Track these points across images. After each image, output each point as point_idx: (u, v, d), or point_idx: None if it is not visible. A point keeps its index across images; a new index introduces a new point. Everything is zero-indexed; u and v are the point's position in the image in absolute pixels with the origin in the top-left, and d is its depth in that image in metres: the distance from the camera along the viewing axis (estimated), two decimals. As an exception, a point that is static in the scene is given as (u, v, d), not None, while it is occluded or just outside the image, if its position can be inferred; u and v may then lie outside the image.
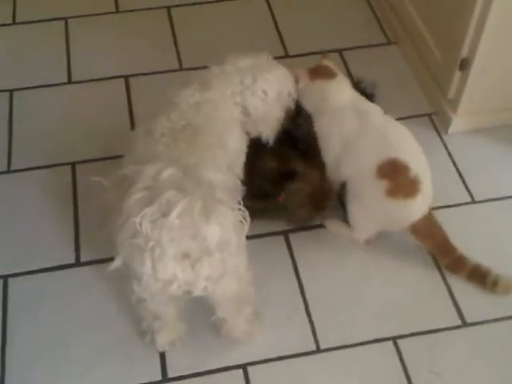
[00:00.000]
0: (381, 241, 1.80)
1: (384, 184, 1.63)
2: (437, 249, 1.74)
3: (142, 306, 1.47)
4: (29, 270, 1.76)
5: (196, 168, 1.26)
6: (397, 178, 1.63)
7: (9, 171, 1.97)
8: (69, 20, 2.42)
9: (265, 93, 1.60)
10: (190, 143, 1.39)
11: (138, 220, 1.17)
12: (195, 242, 1.21)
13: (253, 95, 1.58)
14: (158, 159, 1.29)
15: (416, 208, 1.66)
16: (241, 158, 1.58)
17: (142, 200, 1.20)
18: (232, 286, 1.36)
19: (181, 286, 1.26)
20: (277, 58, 2.23)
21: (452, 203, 1.91)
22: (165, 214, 1.17)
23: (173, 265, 1.22)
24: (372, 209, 1.68)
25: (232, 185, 1.36)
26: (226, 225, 1.21)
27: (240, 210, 1.25)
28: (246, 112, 1.59)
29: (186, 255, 1.23)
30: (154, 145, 1.39)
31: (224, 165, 1.44)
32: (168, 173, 1.21)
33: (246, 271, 1.41)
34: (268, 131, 1.66)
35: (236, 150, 1.54)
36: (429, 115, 2.13)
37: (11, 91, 2.18)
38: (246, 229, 1.26)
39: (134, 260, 1.25)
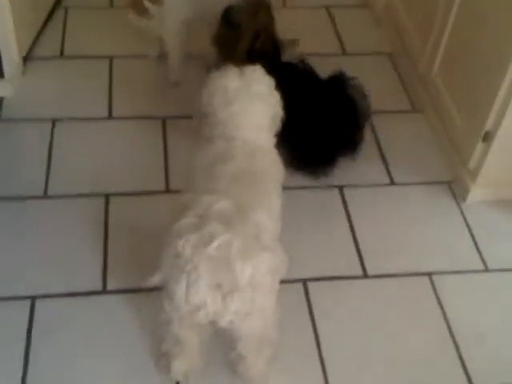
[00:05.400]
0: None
1: None
2: None
3: (167, 328, 1.53)
4: (56, 292, 1.83)
5: (248, 208, 1.35)
6: None
7: (45, 196, 2.06)
8: (113, 59, 2.55)
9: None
10: (250, 187, 1.47)
11: (181, 242, 1.27)
12: (229, 277, 1.29)
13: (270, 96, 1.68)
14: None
15: None
16: None
17: (191, 225, 1.30)
18: (257, 324, 1.43)
19: (208, 314, 1.33)
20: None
21: (465, 269, 1.99)
22: (206, 244, 1.26)
23: (205, 292, 1.29)
24: None
25: (278, 232, 1.44)
26: (260, 268, 1.30)
27: (280, 253, 1.33)
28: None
29: (219, 286, 1.31)
30: (214, 183, 1.47)
31: (276, 213, 1.53)
32: (220, 205, 1.31)
33: (273, 313, 1.48)
34: None
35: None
36: (448, 183, 2.23)
37: (54, 120, 2.29)
38: (282, 274, 1.34)
39: (171, 278, 1.33)
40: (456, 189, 2.20)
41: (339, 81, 2.23)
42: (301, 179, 2.18)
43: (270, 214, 1.48)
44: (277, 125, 1.70)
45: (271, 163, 1.61)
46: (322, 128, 2.15)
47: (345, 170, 2.22)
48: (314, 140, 2.16)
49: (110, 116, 2.34)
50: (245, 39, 2.23)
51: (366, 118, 2.27)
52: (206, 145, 1.62)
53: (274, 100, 1.67)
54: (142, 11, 2.29)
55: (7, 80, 2.35)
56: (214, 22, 2.29)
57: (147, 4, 2.26)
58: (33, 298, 1.80)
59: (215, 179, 1.48)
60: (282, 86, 2.01)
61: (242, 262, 1.26)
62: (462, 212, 2.14)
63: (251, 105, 1.62)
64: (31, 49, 2.53)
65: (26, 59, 2.49)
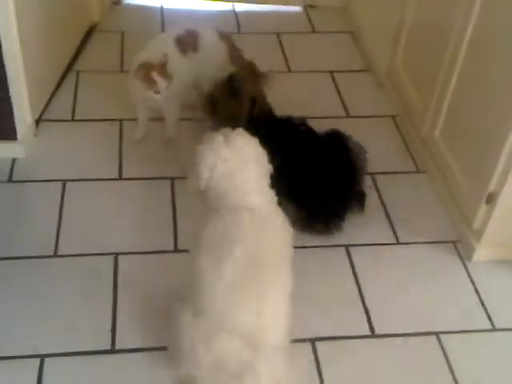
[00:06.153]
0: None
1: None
2: None
3: None
4: (65, 351, 1.83)
5: (260, 333, 1.49)
6: None
7: (55, 255, 2.09)
8: (123, 121, 2.62)
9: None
10: (264, 274, 1.54)
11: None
12: None
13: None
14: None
15: None
16: None
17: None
18: None
19: None
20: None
21: (472, 328, 1.99)
22: None
23: None
24: None
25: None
26: None
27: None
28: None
29: None
30: (228, 269, 1.53)
31: (289, 288, 1.59)
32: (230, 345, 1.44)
33: None
34: None
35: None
36: (453, 242, 2.25)
37: (64, 181, 2.34)
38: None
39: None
40: (461, 248, 2.23)
41: (335, 136, 2.30)
42: (307, 239, 2.20)
43: (286, 300, 1.57)
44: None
45: (281, 234, 1.63)
46: (324, 183, 2.20)
47: (351, 230, 2.25)
48: (318, 196, 2.20)
49: (120, 177, 2.39)
50: (245, 106, 2.30)
51: (364, 168, 2.33)
52: (213, 218, 1.62)
53: (264, 158, 1.68)
54: (150, 84, 2.27)
55: (20, 141, 2.41)
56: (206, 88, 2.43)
57: (157, 78, 2.26)
58: (42, 357, 1.81)
59: (228, 263, 1.52)
60: (283, 143, 2.07)
61: None
62: (467, 271, 2.15)
63: (249, 169, 1.63)
64: (43, 111, 2.61)
65: (38, 121, 2.56)
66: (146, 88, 2.28)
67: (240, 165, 1.61)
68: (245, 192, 1.61)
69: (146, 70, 2.26)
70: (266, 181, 1.68)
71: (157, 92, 2.29)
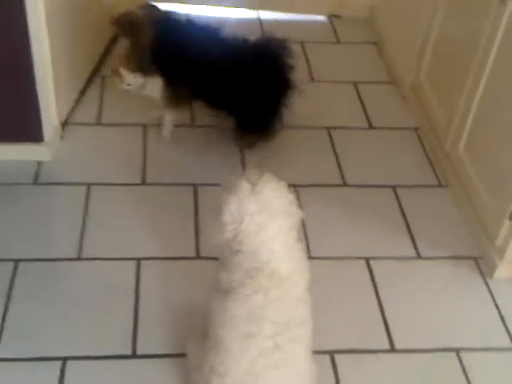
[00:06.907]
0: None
1: None
2: None
3: None
4: (87, 355, 1.85)
5: None
6: None
7: (79, 259, 2.11)
8: (148, 126, 2.65)
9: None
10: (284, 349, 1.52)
11: None
12: None
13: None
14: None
15: None
16: None
17: None
18: None
19: None
20: (334, 185, 2.44)
21: (492, 346, 1.99)
22: None
23: None
24: None
25: None
26: None
27: None
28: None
29: None
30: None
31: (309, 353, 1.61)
32: None
33: None
34: None
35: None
36: (475, 258, 2.24)
37: (89, 185, 2.36)
38: None
39: None
40: (483, 265, 2.22)
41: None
42: (327, 250, 2.21)
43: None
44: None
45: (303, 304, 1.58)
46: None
47: (371, 242, 2.26)
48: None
49: (143, 182, 2.41)
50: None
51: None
52: (237, 288, 1.51)
53: (294, 207, 1.53)
54: (119, 78, 2.41)
55: (46, 144, 2.44)
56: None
57: (123, 72, 2.38)
58: (64, 360, 1.83)
59: (256, 342, 1.51)
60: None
61: None
62: (488, 288, 2.15)
63: (278, 226, 1.48)
64: (69, 115, 2.63)
65: (65, 125, 2.58)
66: (119, 81, 2.43)
67: (268, 220, 1.46)
68: (271, 254, 1.48)
69: (116, 64, 2.42)
70: (294, 235, 1.53)
71: (128, 85, 2.42)
